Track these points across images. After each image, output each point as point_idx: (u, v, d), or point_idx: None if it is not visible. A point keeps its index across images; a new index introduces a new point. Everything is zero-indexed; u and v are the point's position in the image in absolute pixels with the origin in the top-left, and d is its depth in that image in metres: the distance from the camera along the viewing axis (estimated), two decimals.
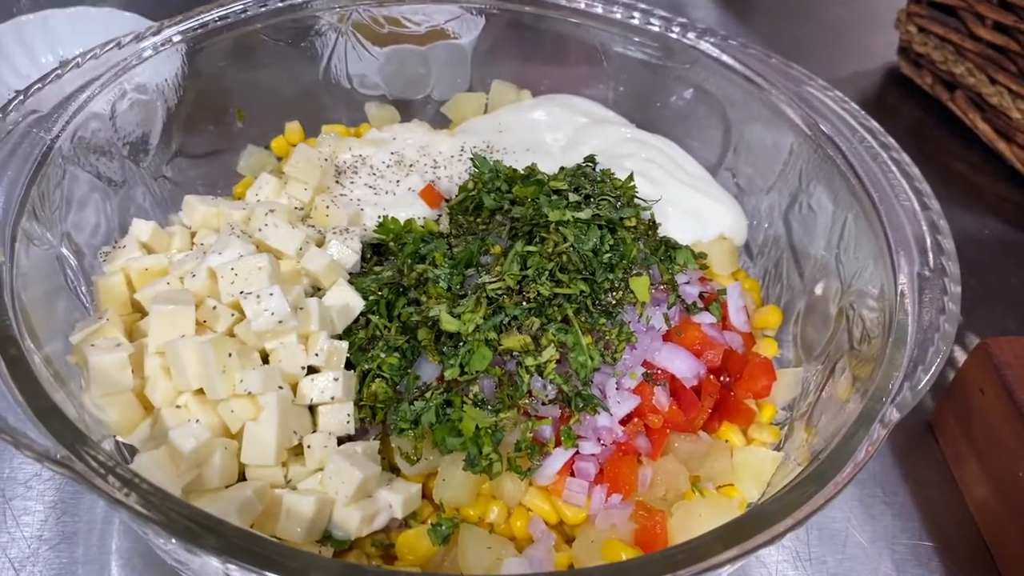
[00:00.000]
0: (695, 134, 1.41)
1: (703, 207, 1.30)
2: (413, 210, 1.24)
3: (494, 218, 1.12)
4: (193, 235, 1.23)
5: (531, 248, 1.03)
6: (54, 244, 1.07)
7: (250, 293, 0.98)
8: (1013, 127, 1.68)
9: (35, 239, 1.02)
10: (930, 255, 1.02)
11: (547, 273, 1.01)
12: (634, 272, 1.05)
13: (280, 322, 0.97)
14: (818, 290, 1.19)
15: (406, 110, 1.51)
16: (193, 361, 0.94)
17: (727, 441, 1.09)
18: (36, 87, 1.11)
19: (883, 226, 1.07)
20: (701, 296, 1.16)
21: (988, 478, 1.17)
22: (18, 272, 0.96)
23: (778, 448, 1.11)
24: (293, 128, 1.41)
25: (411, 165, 1.33)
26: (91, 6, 1.83)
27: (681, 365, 1.07)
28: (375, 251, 1.21)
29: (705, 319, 1.12)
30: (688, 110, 1.40)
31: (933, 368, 0.90)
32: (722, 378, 1.13)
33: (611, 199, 1.10)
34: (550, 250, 1.02)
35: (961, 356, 1.42)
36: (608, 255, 1.03)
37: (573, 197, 1.08)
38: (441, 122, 1.52)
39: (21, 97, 1.08)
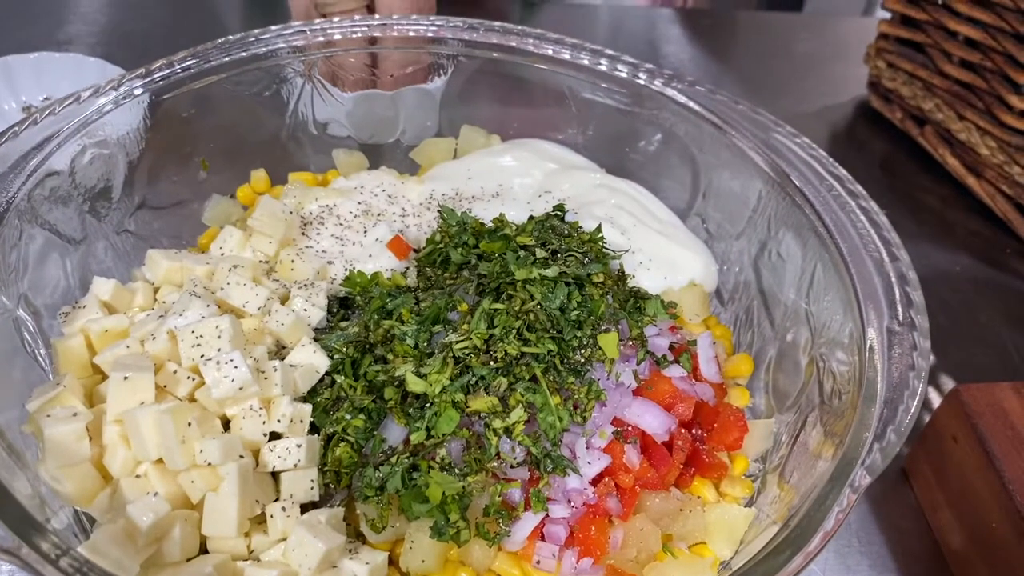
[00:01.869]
0: (665, 179, 1.40)
1: (673, 254, 1.29)
2: (380, 261, 1.23)
3: (461, 273, 1.11)
4: (156, 290, 1.21)
5: (498, 306, 1.02)
6: (9, 307, 1.04)
7: (210, 359, 0.96)
8: (982, 163, 1.69)
9: None
10: (899, 308, 1.02)
11: (515, 331, 1.00)
12: (603, 328, 1.04)
13: (241, 389, 0.95)
14: (789, 338, 1.19)
15: (375, 155, 1.49)
16: (152, 431, 0.92)
17: (699, 497, 1.07)
18: None
19: (851, 278, 1.06)
20: (671, 347, 1.15)
21: (963, 527, 1.16)
22: None
23: (751, 502, 1.10)
24: (259, 177, 1.40)
25: (379, 214, 1.32)
26: (54, 51, 1.82)
27: (652, 421, 1.05)
28: (341, 304, 1.19)
29: (675, 372, 1.11)
30: (657, 155, 1.40)
31: (903, 428, 0.90)
32: (694, 431, 1.12)
33: (578, 255, 1.09)
34: (517, 308, 1.01)
35: (935, 397, 1.42)
36: (576, 312, 1.02)
37: (540, 253, 1.06)
38: (410, 166, 1.51)
39: None
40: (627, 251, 1.24)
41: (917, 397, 0.92)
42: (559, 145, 1.47)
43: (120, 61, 1.84)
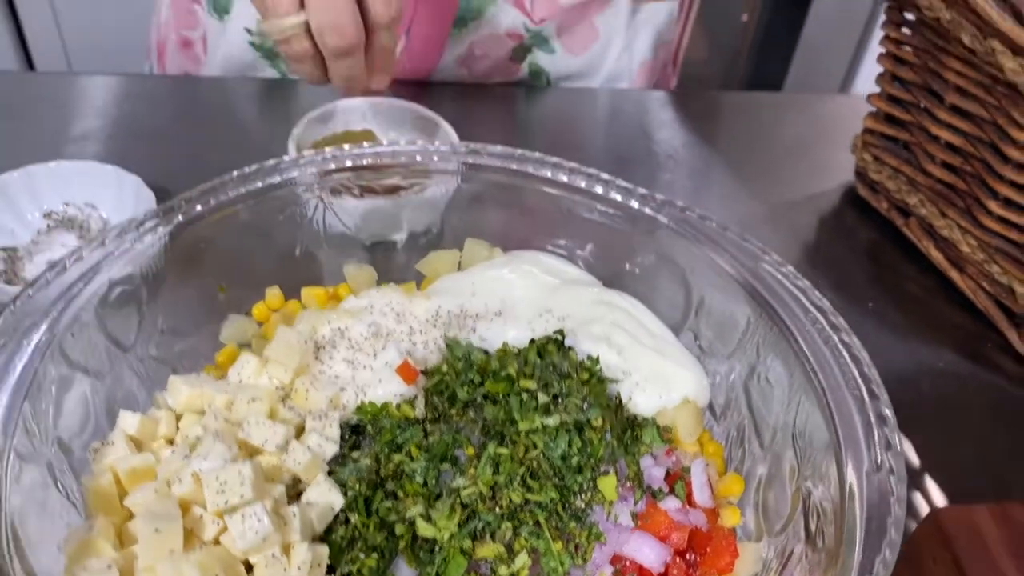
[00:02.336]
0: (659, 292, 1.47)
1: (668, 371, 1.36)
2: (390, 387, 1.30)
3: (467, 412, 1.18)
4: (179, 418, 1.28)
5: (503, 451, 1.09)
6: (44, 453, 1.12)
7: (235, 510, 1.03)
8: (963, 259, 1.76)
9: (26, 456, 1.07)
10: (878, 451, 1.09)
11: (519, 478, 1.07)
12: (602, 471, 1.11)
13: (264, 540, 1.02)
14: (777, 462, 1.26)
15: (383, 266, 1.56)
16: None
17: None
18: (26, 295, 1.16)
19: (832, 418, 1.13)
20: (667, 475, 1.22)
21: None
22: (10, 499, 1.01)
23: None
24: (273, 294, 1.47)
25: (388, 334, 1.39)
26: (70, 148, 1.90)
27: (649, 554, 1.12)
28: (353, 430, 1.26)
29: (671, 504, 1.18)
30: (651, 270, 1.47)
31: None
32: (687, 557, 1.19)
33: (578, 401, 1.16)
34: (521, 454, 1.08)
35: (922, 503, 1.49)
36: (576, 458, 1.09)
37: (542, 398, 1.14)
38: (417, 276, 1.58)
39: (11, 309, 1.13)
40: (626, 375, 1.31)
41: (894, 548, 0.99)
42: (558, 258, 1.54)
43: (134, 157, 1.92)
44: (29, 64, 4.22)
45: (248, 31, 2.15)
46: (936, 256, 1.84)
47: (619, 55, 2.44)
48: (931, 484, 1.52)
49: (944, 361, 1.72)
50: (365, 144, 1.44)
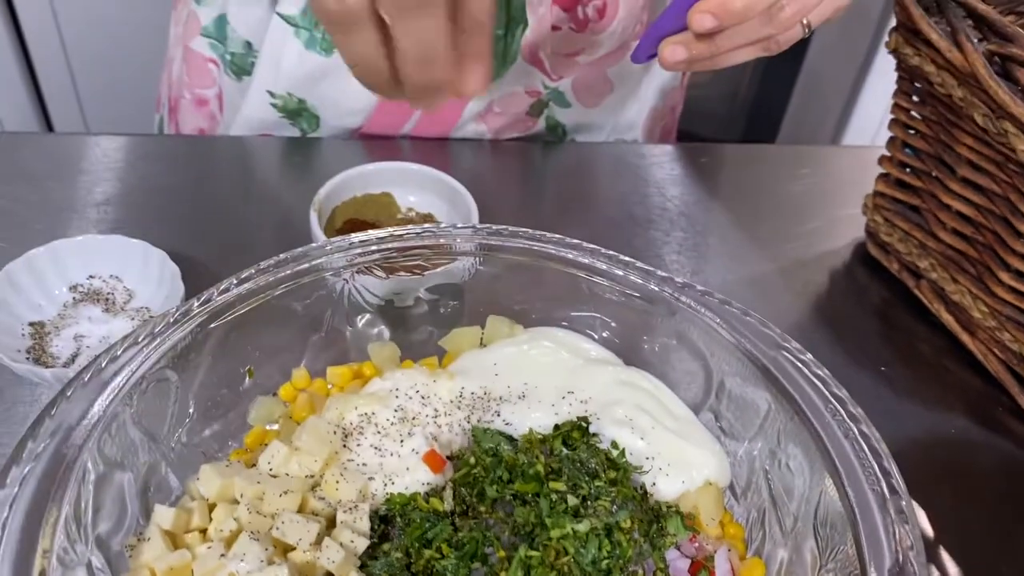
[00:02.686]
0: (679, 374, 1.50)
1: (689, 454, 1.39)
2: (418, 475, 1.32)
3: (496, 509, 1.20)
4: (212, 508, 1.31)
5: (533, 553, 1.11)
6: (85, 554, 1.14)
7: None
8: (974, 324, 1.79)
9: (67, 563, 1.10)
10: (900, 552, 1.11)
11: None
12: (630, 571, 1.14)
13: None
14: (798, 551, 1.28)
15: (405, 344, 1.59)
16: None
17: None
18: (63, 397, 1.19)
19: (854, 514, 1.16)
20: (692, 564, 1.25)
21: None
22: None
23: None
24: (300, 375, 1.50)
25: (413, 418, 1.41)
26: (94, 222, 1.92)
27: None
28: (382, 520, 1.29)
29: None
30: (671, 350, 1.49)
31: None
32: None
33: (607, 502, 1.18)
34: (552, 558, 1.11)
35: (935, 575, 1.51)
36: (607, 561, 1.11)
37: (572, 501, 1.16)
38: (438, 350, 1.61)
39: (48, 419, 1.16)
40: (650, 461, 1.34)
41: None
42: (578, 335, 1.57)
43: (155, 221, 1.95)
44: (48, 125, 4.29)
45: (270, 93, 2.18)
46: (947, 319, 1.86)
47: (630, 104, 2.48)
48: (945, 556, 1.55)
49: (956, 427, 1.75)
50: (390, 229, 1.47)
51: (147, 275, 1.73)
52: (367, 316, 1.59)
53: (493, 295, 1.62)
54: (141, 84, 3.18)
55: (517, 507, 1.17)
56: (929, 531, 1.58)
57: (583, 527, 1.11)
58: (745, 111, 5.05)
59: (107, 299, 1.71)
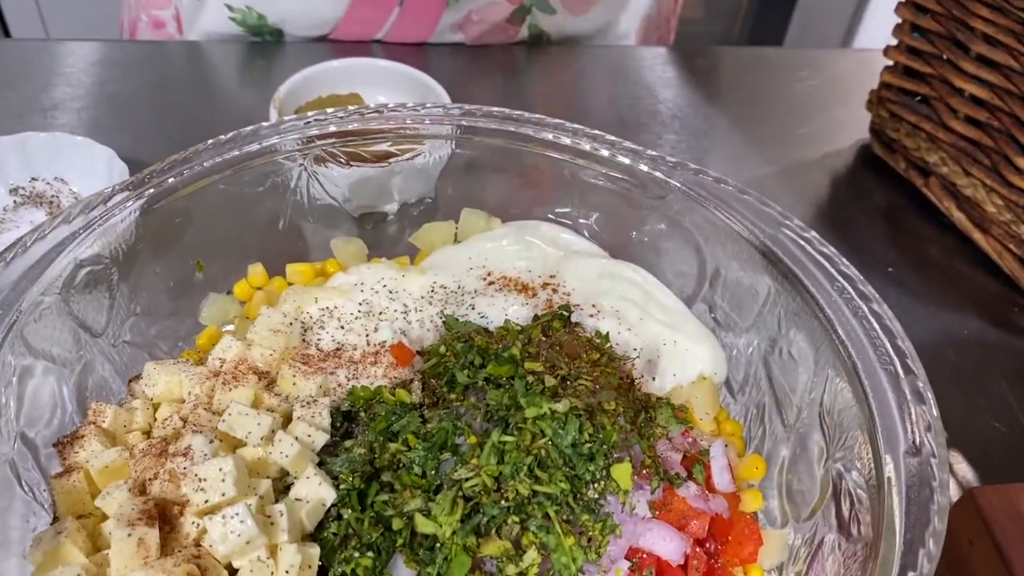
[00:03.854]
0: (670, 263, 1.38)
1: (681, 347, 1.27)
2: (383, 368, 1.20)
3: (467, 396, 1.08)
4: (156, 408, 1.19)
5: (508, 439, 0.99)
6: (7, 453, 1.02)
7: (216, 510, 0.94)
8: (988, 219, 1.67)
9: None
10: (916, 432, 1.00)
11: (526, 468, 0.97)
12: (615, 458, 1.02)
13: (247, 543, 0.93)
14: (803, 443, 1.17)
15: (373, 240, 1.46)
16: None
17: None
18: None
19: (866, 395, 1.04)
20: (684, 458, 1.13)
21: None
22: None
23: None
24: (256, 272, 1.37)
25: (380, 313, 1.29)
26: (40, 119, 1.78)
27: (668, 546, 1.03)
28: (345, 416, 1.17)
29: (689, 490, 1.09)
30: (662, 239, 1.37)
31: (925, 573, 0.88)
32: (707, 546, 1.10)
33: (588, 382, 1.06)
34: (528, 442, 0.99)
35: (954, 488, 1.40)
36: (588, 445, 1.00)
37: (550, 381, 1.04)
38: (409, 248, 1.48)
39: None
40: (636, 354, 1.22)
41: (939, 539, 0.90)
42: (561, 227, 1.44)
43: (107, 127, 1.81)
44: (5, 31, 4.08)
45: (228, 7, 2.02)
46: (958, 217, 1.74)
47: (621, 10, 2.32)
48: (959, 460, 1.44)
49: (968, 328, 1.63)
50: (351, 107, 1.33)
51: (94, 176, 1.60)
52: (330, 211, 1.45)
53: (468, 188, 1.48)
54: None
55: (490, 391, 1.05)
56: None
57: (562, 407, 0.99)
58: (749, 18, 4.79)
59: (51, 202, 1.58)
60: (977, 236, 1.71)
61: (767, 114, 2.07)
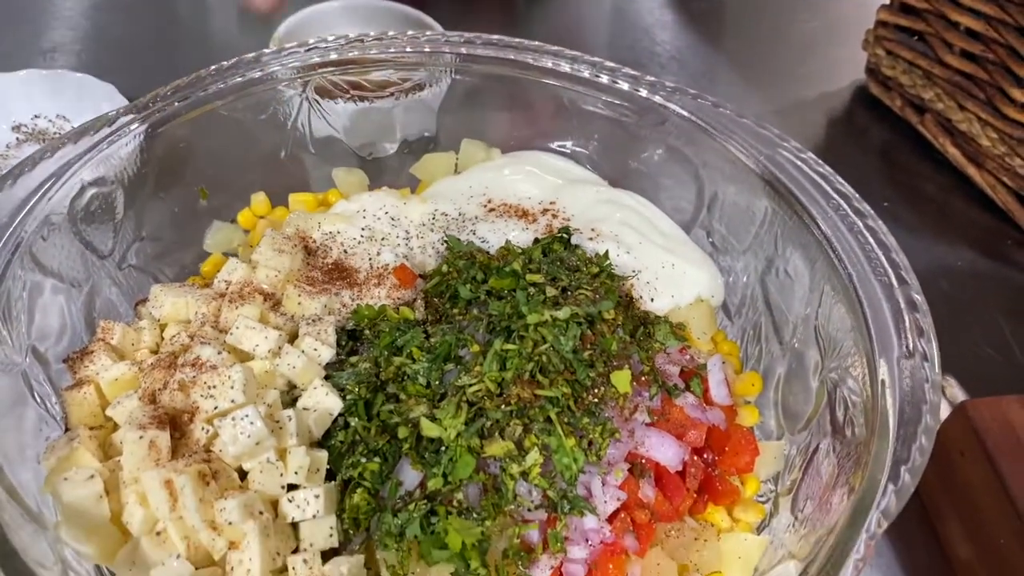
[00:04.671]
0: (668, 190, 1.39)
1: (679, 270, 1.29)
2: (387, 289, 1.22)
3: (470, 309, 1.10)
4: (163, 327, 1.21)
5: (510, 347, 1.02)
6: (18, 362, 1.04)
7: (225, 415, 0.96)
8: (982, 153, 1.68)
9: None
10: (910, 337, 1.02)
11: (527, 374, 1.00)
12: (614, 364, 1.04)
13: (257, 444, 0.95)
14: (798, 358, 1.19)
15: (374, 171, 1.47)
16: (170, 493, 0.92)
17: (713, 525, 1.09)
18: None
19: (861, 304, 1.06)
20: (682, 372, 1.16)
21: (969, 538, 1.18)
22: None
23: (763, 525, 1.11)
24: (259, 200, 1.38)
25: (383, 239, 1.31)
26: (39, 60, 1.79)
27: (666, 452, 1.06)
28: (349, 336, 1.19)
29: (687, 400, 1.11)
30: (660, 166, 1.38)
31: (917, 468, 0.90)
32: (705, 456, 1.13)
33: (588, 292, 1.08)
34: (529, 349, 1.01)
35: (944, 406, 1.42)
36: (588, 352, 1.02)
37: (550, 291, 1.06)
38: (410, 181, 1.49)
39: None
40: (634, 275, 1.24)
41: (930, 435, 0.92)
42: (560, 157, 1.46)
43: (107, 69, 1.81)
44: None
45: None
46: (953, 153, 1.75)
47: None
48: (951, 383, 1.46)
49: (962, 259, 1.65)
50: (351, 35, 1.34)
51: (96, 113, 1.59)
52: (331, 145, 1.46)
53: (468, 121, 1.49)
54: None
55: (492, 302, 1.07)
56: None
57: (563, 314, 1.01)
58: None
59: (49, 143, 1.59)
60: (971, 171, 1.72)
61: (765, 55, 2.07)
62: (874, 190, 1.78)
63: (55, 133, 1.60)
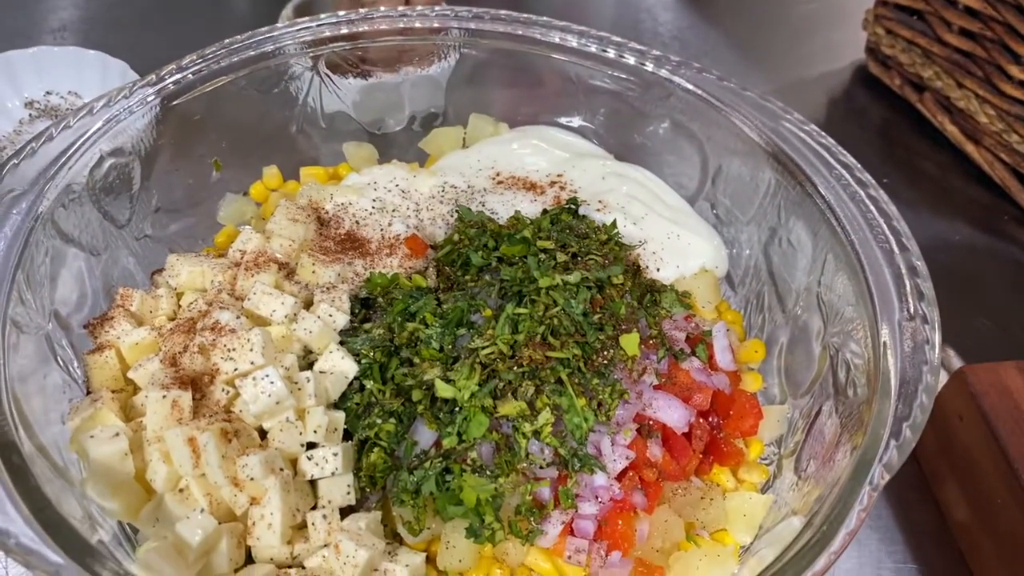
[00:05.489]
0: (673, 164, 1.42)
1: (684, 241, 1.32)
2: (399, 258, 1.25)
3: (482, 276, 1.13)
4: (180, 295, 1.23)
5: (521, 310, 1.04)
6: (42, 325, 1.07)
7: (245, 375, 0.99)
8: (980, 130, 1.71)
9: (23, 325, 1.02)
10: (910, 301, 1.05)
11: (539, 336, 1.02)
12: (623, 328, 1.07)
13: (277, 403, 0.98)
14: (801, 325, 1.22)
15: (384, 145, 1.50)
16: (193, 450, 0.95)
17: (718, 485, 1.12)
18: (11, 164, 1.10)
19: (863, 270, 1.09)
20: (687, 338, 1.18)
21: (968, 501, 1.21)
22: (9, 366, 0.96)
23: (767, 486, 1.15)
24: (271, 173, 1.41)
25: (393, 210, 1.33)
26: (51, 41, 1.80)
27: (673, 414, 1.09)
28: (363, 304, 1.21)
29: (693, 364, 1.14)
30: (665, 140, 1.41)
31: (918, 425, 0.93)
32: (711, 419, 1.16)
33: (597, 257, 1.11)
34: (540, 313, 1.04)
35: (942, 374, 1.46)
36: (598, 315, 1.05)
37: (561, 257, 1.09)
38: (418, 155, 1.52)
39: None
40: (642, 244, 1.27)
41: (931, 393, 0.95)
42: (567, 131, 1.48)
43: (116, 47, 1.82)
44: None
45: None
46: (951, 130, 1.78)
47: None
48: (950, 353, 1.49)
49: (960, 234, 1.68)
50: (361, 9, 1.37)
51: (107, 89, 1.62)
52: (342, 120, 1.49)
53: (476, 96, 1.52)
54: None
55: (504, 268, 1.09)
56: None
57: (573, 278, 1.04)
58: None
59: (66, 115, 1.61)
60: (970, 148, 1.75)
61: (766, 36, 2.10)
62: (874, 168, 1.78)
63: (67, 109, 1.63)
